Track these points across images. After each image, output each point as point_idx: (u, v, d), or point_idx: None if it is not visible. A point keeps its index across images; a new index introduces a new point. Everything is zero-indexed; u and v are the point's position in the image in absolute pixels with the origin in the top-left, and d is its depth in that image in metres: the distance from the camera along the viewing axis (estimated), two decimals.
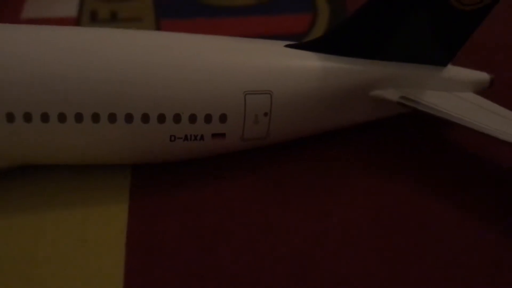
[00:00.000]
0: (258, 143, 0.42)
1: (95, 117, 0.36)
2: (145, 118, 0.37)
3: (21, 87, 0.35)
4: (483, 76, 0.47)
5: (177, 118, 0.37)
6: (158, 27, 0.59)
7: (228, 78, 0.38)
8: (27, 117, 0.36)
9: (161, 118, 0.37)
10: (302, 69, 0.40)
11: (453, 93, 0.45)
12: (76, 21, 0.58)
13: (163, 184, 0.42)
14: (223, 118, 0.38)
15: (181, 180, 0.42)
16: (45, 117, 0.36)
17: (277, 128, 0.41)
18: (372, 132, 0.47)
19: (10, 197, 0.40)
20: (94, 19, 0.59)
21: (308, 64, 0.41)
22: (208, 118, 0.38)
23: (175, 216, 0.40)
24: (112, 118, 0.37)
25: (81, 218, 0.39)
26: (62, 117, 0.36)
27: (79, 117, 0.36)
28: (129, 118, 0.37)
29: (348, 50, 0.42)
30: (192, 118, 0.38)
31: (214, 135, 0.39)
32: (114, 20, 0.59)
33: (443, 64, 0.45)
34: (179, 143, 0.39)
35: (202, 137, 0.39)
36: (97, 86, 0.36)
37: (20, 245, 0.37)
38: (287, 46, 0.43)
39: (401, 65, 0.43)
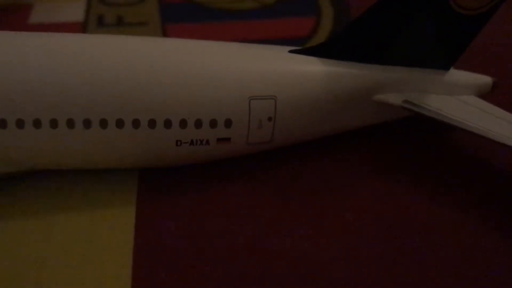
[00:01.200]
0: (262, 147, 0.42)
1: (103, 123, 0.37)
2: (152, 123, 0.38)
3: (30, 94, 0.36)
4: (485, 79, 0.47)
5: (183, 123, 0.38)
6: (164, 31, 0.60)
7: (233, 84, 0.39)
8: (36, 123, 0.36)
9: (168, 123, 0.38)
10: (306, 74, 0.41)
11: (456, 97, 0.45)
12: (83, 26, 0.59)
13: (169, 187, 0.42)
14: (228, 123, 0.39)
15: (187, 184, 0.43)
16: (54, 123, 0.36)
17: (281, 133, 0.41)
18: (375, 136, 0.48)
19: (19, 200, 0.41)
20: (101, 24, 0.60)
21: (312, 69, 0.41)
22: (213, 123, 0.39)
23: (182, 219, 0.40)
24: (119, 123, 0.37)
25: (89, 222, 0.40)
26: (70, 123, 0.37)
27: (87, 123, 0.37)
28: (136, 123, 0.37)
29: (351, 55, 0.42)
30: (198, 123, 0.38)
31: (219, 140, 0.40)
32: (120, 24, 0.60)
33: (446, 68, 0.45)
34: (185, 148, 0.39)
35: (207, 142, 0.39)
36: (105, 92, 0.37)
37: (29, 248, 0.38)
38: (291, 51, 0.43)
39: (404, 69, 0.44)
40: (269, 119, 0.40)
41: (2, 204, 0.40)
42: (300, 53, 0.43)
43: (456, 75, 0.46)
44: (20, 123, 0.36)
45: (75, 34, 0.42)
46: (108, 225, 0.39)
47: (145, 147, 0.39)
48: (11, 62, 0.36)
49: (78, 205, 0.41)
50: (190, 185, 0.43)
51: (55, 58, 0.37)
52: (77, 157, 0.39)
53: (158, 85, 0.37)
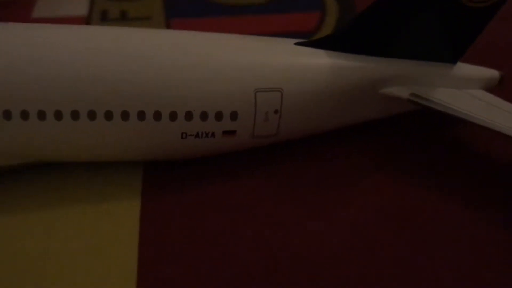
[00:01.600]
0: (268, 141, 0.42)
1: (108, 115, 0.37)
2: (157, 115, 0.37)
3: (35, 85, 0.36)
4: (492, 73, 0.47)
5: (188, 116, 0.38)
6: (168, 26, 0.59)
7: (239, 76, 0.39)
8: (41, 115, 0.36)
9: (173, 116, 0.38)
10: (312, 67, 0.41)
11: (463, 90, 0.45)
12: (87, 20, 0.59)
13: (174, 181, 0.42)
14: (234, 115, 0.39)
15: (192, 178, 0.43)
16: (58, 115, 0.36)
17: (287, 126, 0.41)
18: (380, 130, 0.47)
19: (23, 194, 0.40)
20: (104, 18, 0.59)
21: (318, 62, 0.41)
22: (219, 116, 0.38)
23: (187, 213, 0.40)
24: (125, 115, 0.37)
25: (94, 215, 0.39)
26: (75, 115, 0.36)
27: (92, 115, 0.37)
28: (141, 115, 0.37)
29: (358, 47, 0.42)
30: (204, 116, 0.38)
31: (225, 133, 0.39)
32: (124, 19, 0.60)
33: (453, 61, 0.45)
34: (190, 140, 0.39)
35: (213, 134, 0.39)
36: (110, 84, 0.36)
37: (33, 242, 0.37)
38: (297, 43, 0.43)
39: (411, 62, 0.43)
40: (275, 111, 0.40)
41: (6, 197, 0.40)
42: (306, 46, 0.42)
43: (463, 68, 0.46)
44: (24, 115, 0.36)
45: (81, 26, 0.42)
46: (113, 219, 0.39)
47: (150, 140, 0.39)
48: (15, 53, 0.36)
49: (82, 199, 0.40)
50: (195, 179, 0.42)
51: (60, 50, 0.37)
52: (82, 149, 0.39)
53: (163, 77, 0.37)
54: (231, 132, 0.39)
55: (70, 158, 0.40)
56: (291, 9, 0.64)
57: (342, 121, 0.44)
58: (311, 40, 0.43)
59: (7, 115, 0.36)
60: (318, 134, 0.45)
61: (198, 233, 0.39)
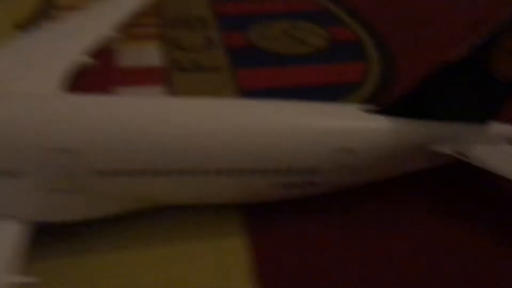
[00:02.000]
0: (336, 190, 0.51)
1: (218, 172, 0.46)
2: (254, 172, 0.47)
3: (154, 150, 0.44)
4: None
5: (278, 171, 0.47)
6: (236, 76, 0.66)
7: (320, 139, 0.48)
8: (155, 173, 0.45)
9: (267, 172, 0.47)
10: (376, 131, 0.50)
11: (495, 146, 0.54)
12: (166, 71, 0.66)
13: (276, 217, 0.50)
14: (315, 170, 0.48)
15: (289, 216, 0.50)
16: (168, 173, 0.45)
17: (353, 178, 0.50)
18: (423, 178, 0.54)
19: (136, 234, 0.47)
20: (181, 69, 0.67)
21: (382, 127, 0.50)
22: (303, 171, 0.47)
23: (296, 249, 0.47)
24: (230, 172, 0.46)
25: (204, 251, 0.46)
26: (194, 173, 0.46)
27: (206, 172, 0.46)
28: (241, 172, 0.46)
29: (414, 113, 0.51)
30: (291, 171, 0.47)
31: (307, 183, 0.49)
32: (198, 69, 0.67)
33: (488, 122, 0.54)
34: (278, 190, 0.48)
35: (297, 185, 0.49)
36: (221, 150, 0.46)
37: (144, 279, 0.43)
38: (362, 110, 0.52)
39: (455, 124, 0.52)
40: (346, 167, 0.49)
41: (123, 237, 0.47)
42: (370, 112, 0.51)
43: (495, 127, 0.54)
44: (142, 173, 0.45)
45: (164, 97, 0.53)
46: (219, 256, 0.45)
47: (247, 191, 0.48)
48: (132, 123, 0.45)
49: (190, 238, 0.48)
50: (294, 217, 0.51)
51: (166, 122, 0.46)
52: (187, 198, 0.49)
53: (260, 143, 0.46)
54: (312, 183, 0.49)
55: (180, 203, 0.50)
56: (338, 59, 0.71)
57: (394, 172, 0.53)
58: (374, 108, 0.52)
59: (134, 173, 0.45)
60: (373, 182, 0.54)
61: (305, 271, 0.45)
